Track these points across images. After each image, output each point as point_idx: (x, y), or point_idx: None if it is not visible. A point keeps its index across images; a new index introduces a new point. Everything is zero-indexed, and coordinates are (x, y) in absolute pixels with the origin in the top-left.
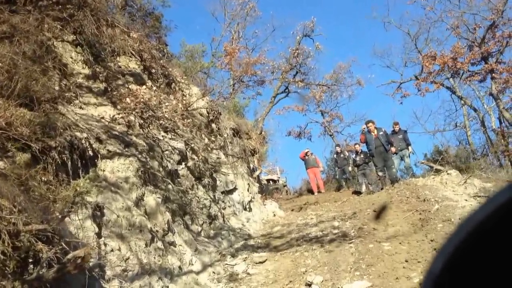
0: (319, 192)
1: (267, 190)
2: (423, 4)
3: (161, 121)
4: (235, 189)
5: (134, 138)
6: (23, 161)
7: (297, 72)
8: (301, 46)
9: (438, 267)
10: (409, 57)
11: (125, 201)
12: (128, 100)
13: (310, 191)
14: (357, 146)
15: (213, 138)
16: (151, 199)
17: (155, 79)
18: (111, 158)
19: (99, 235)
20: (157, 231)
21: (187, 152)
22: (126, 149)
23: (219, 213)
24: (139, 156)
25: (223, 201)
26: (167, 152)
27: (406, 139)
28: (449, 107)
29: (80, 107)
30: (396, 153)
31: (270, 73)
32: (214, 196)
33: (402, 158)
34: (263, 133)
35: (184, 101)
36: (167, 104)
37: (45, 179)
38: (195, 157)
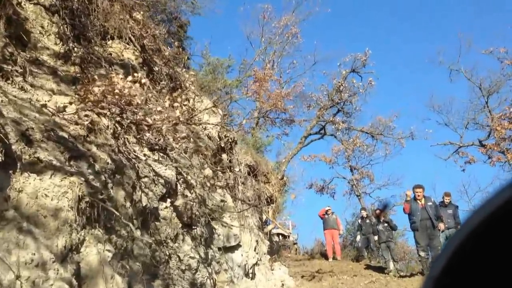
0: (334, 258)
1: (277, 248)
2: (501, 57)
3: (147, 134)
4: (238, 245)
5: (93, 149)
6: None
7: (338, 111)
8: (348, 80)
9: (438, 270)
10: (474, 116)
11: (39, 251)
12: (95, 89)
13: (324, 255)
14: (377, 211)
15: (220, 173)
16: (94, 252)
17: (156, 79)
18: (39, 172)
19: None
20: None
21: (178, 185)
22: (72, 163)
23: (208, 280)
24: (91, 177)
25: (218, 262)
26: (146, 179)
27: (456, 216)
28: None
29: (22, 88)
30: (442, 231)
31: (305, 107)
32: (207, 254)
33: (447, 239)
34: (284, 178)
35: (185, 108)
36: (159, 109)
37: None
38: (188, 194)
